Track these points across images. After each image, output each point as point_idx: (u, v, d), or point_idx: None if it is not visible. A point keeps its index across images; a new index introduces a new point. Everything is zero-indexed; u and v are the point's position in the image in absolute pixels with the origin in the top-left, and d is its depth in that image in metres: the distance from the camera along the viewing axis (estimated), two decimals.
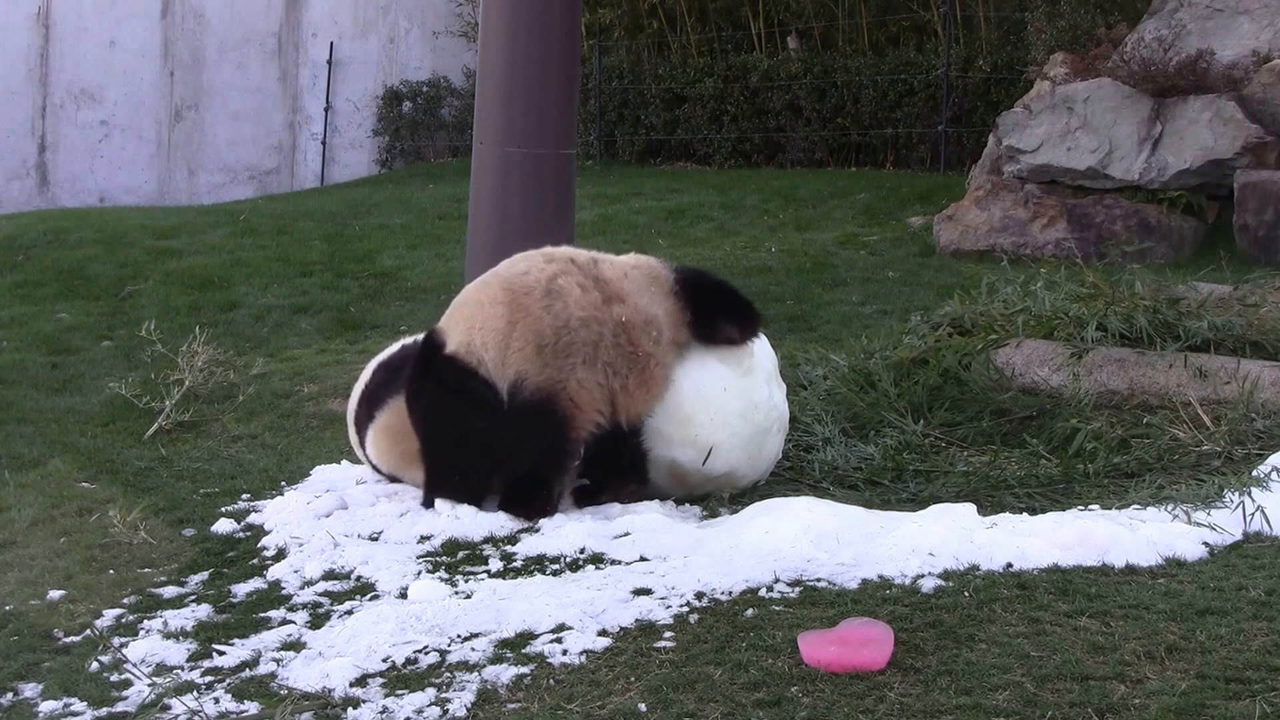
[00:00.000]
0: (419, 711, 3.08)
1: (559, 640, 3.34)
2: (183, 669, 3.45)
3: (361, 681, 3.24)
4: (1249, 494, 4.06)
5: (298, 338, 7.83)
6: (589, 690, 3.08)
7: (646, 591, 3.61)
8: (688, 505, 4.51)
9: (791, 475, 4.89)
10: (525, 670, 3.22)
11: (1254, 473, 4.29)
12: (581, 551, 4.02)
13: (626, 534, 4.09)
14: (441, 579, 3.85)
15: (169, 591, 4.05)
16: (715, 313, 4.58)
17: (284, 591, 3.95)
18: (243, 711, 3.17)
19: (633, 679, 3.11)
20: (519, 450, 4.32)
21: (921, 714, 2.86)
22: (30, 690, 3.41)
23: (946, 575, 3.60)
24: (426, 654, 3.36)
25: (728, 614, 3.43)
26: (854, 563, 3.72)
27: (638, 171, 14.83)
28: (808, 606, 3.46)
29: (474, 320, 4.39)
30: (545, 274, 4.41)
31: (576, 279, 4.41)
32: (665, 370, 4.44)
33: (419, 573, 3.93)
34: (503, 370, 4.30)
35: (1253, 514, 3.95)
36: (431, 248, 10.29)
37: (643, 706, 2.96)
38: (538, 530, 4.23)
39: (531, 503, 4.33)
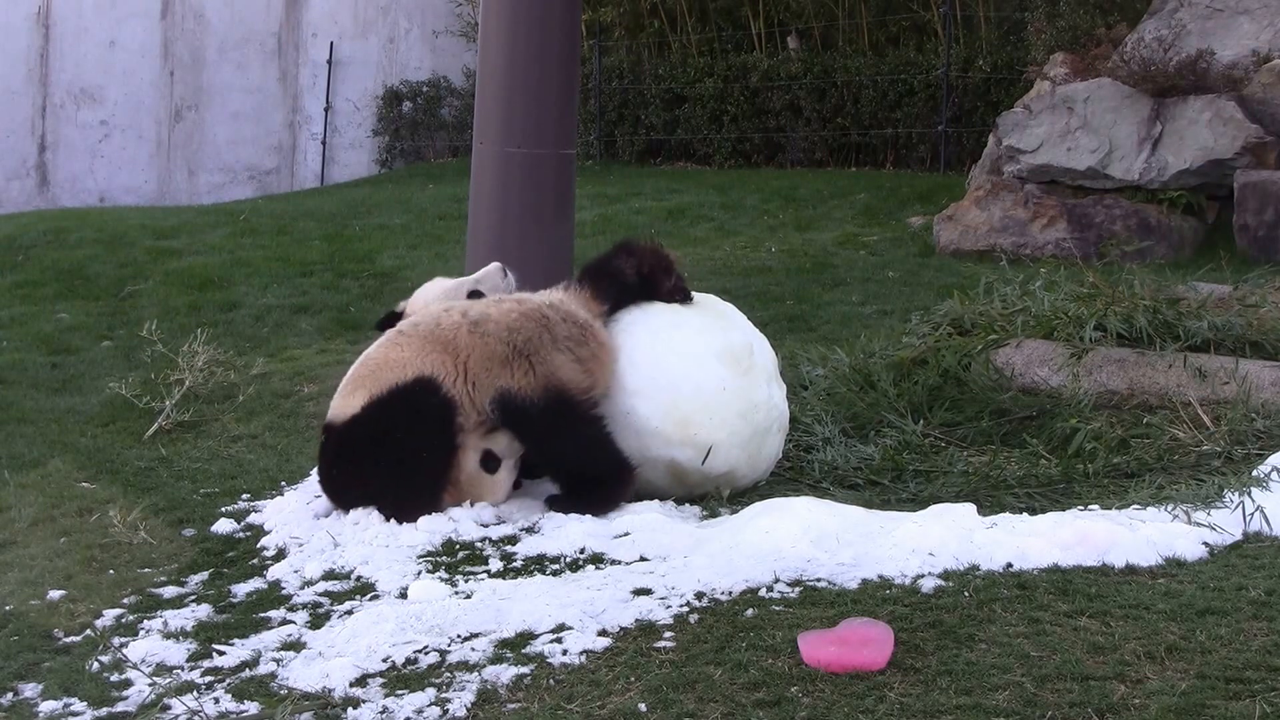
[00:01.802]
0: (419, 711, 3.08)
1: (559, 640, 3.34)
2: (183, 669, 3.45)
3: (361, 681, 3.24)
4: (1249, 494, 4.06)
5: (298, 338, 7.82)
6: (589, 690, 3.08)
7: (646, 591, 3.61)
8: (688, 505, 4.51)
9: (791, 475, 4.89)
10: (525, 670, 3.22)
11: (1254, 473, 4.29)
12: (581, 551, 4.02)
13: (626, 534, 4.09)
14: (441, 579, 3.85)
15: (169, 591, 4.05)
16: (610, 267, 4.71)
17: (284, 591, 3.95)
18: (243, 711, 3.17)
19: (633, 679, 3.11)
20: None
21: (921, 714, 2.86)
22: (30, 690, 3.41)
23: (946, 575, 3.60)
24: (426, 654, 3.35)
25: (728, 614, 3.43)
26: (854, 563, 3.72)
27: (638, 171, 14.83)
28: (808, 606, 3.46)
29: (396, 376, 4.32)
30: (455, 315, 4.43)
31: (485, 305, 4.51)
32: (608, 336, 4.58)
33: (419, 573, 3.92)
34: (474, 393, 4.30)
35: (1253, 514, 3.95)
36: (431, 248, 10.29)
37: (643, 706, 2.96)
38: (538, 530, 4.24)
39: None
